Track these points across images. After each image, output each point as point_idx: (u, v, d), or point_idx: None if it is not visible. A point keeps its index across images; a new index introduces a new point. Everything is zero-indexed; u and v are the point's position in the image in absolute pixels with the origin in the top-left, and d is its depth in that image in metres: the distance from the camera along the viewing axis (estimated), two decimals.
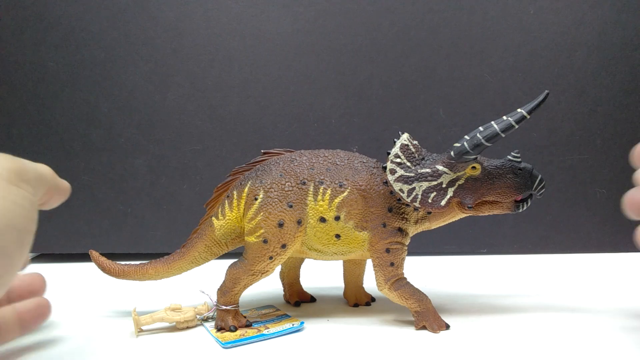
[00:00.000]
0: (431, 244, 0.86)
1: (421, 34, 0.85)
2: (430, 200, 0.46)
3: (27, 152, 0.86)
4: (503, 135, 0.43)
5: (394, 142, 0.47)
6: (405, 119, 0.86)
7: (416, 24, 0.85)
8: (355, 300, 0.57)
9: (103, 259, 0.52)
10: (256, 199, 0.48)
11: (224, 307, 0.49)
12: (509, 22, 0.84)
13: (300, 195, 0.48)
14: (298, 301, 0.58)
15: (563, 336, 0.45)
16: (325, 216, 0.48)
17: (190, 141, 0.87)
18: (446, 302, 0.57)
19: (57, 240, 0.86)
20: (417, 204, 0.46)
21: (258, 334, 0.46)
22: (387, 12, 0.85)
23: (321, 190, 0.48)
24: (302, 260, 0.59)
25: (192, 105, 0.86)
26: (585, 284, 0.65)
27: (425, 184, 0.46)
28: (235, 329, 0.48)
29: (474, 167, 0.46)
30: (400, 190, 0.46)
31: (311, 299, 0.59)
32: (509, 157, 0.46)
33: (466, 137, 0.45)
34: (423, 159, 0.47)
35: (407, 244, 0.49)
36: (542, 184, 0.46)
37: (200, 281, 0.60)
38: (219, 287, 0.50)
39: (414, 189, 0.46)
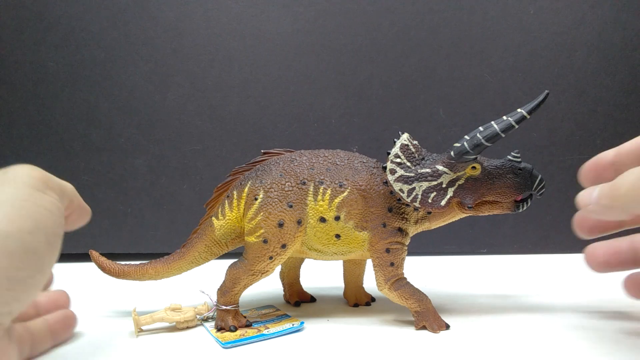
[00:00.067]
0: (431, 244, 0.86)
1: (421, 34, 0.85)
2: (430, 200, 0.46)
3: (27, 152, 0.86)
4: (503, 135, 0.43)
5: (394, 142, 0.47)
6: (405, 119, 0.86)
7: (416, 24, 0.85)
8: (355, 300, 0.57)
9: (103, 259, 0.52)
10: (256, 199, 0.48)
11: (224, 307, 0.49)
12: (509, 22, 0.84)
13: (300, 195, 0.48)
14: (298, 301, 0.58)
15: (563, 336, 0.45)
16: (325, 216, 0.48)
17: (190, 141, 0.87)
18: (446, 302, 0.57)
19: None
20: (417, 204, 0.46)
21: (258, 334, 0.46)
22: (387, 12, 0.85)
23: (321, 190, 0.48)
24: (302, 260, 0.59)
25: (192, 105, 0.86)
26: (585, 284, 0.65)
27: (425, 184, 0.46)
28: (235, 329, 0.48)
29: (474, 167, 0.45)
30: (400, 190, 0.46)
31: (311, 299, 0.59)
32: (509, 157, 0.46)
33: (466, 137, 0.45)
34: (423, 159, 0.47)
35: (407, 244, 0.49)
36: (542, 184, 0.46)
37: (200, 281, 0.60)
38: (219, 287, 0.50)
39: (414, 189, 0.46)
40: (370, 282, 0.54)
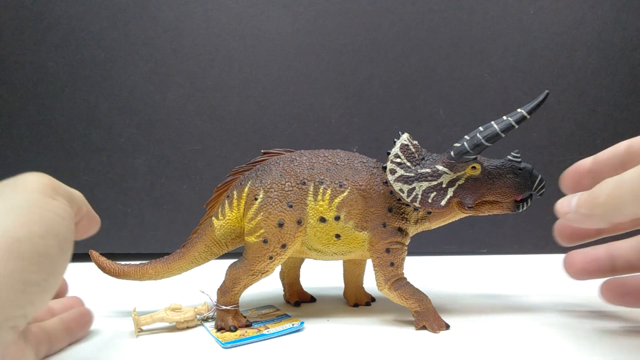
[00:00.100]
0: (431, 244, 0.86)
1: (421, 34, 0.85)
2: (430, 200, 0.46)
3: (27, 152, 0.86)
4: (503, 135, 0.43)
5: (394, 142, 0.47)
6: (405, 119, 0.86)
7: (416, 24, 0.85)
8: (355, 300, 0.57)
9: (103, 259, 0.52)
10: (256, 199, 0.48)
11: (223, 307, 0.49)
12: (509, 22, 0.84)
13: (300, 195, 0.48)
14: (298, 301, 0.58)
15: (563, 336, 0.45)
16: (325, 216, 0.48)
17: (190, 141, 0.87)
18: (446, 302, 0.57)
19: None
20: (417, 204, 0.46)
21: (258, 334, 0.46)
22: (387, 12, 0.85)
23: (321, 190, 0.48)
24: (302, 260, 0.59)
25: (192, 105, 0.86)
26: (585, 284, 0.64)
27: (425, 184, 0.46)
28: (235, 329, 0.48)
29: (474, 167, 0.45)
30: (400, 190, 0.46)
31: (311, 299, 0.59)
32: (509, 157, 0.46)
33: (466, 137, 0.45)
34: (423, 159, 0.47)
35: (407, 244, 0.49)
36: (542, 184, 0.46)
37: (200, 281, 0.60)
38: (219, 287, 0.50)
39: (414, 189, 0.46)
40: (370, 282, 0.54)
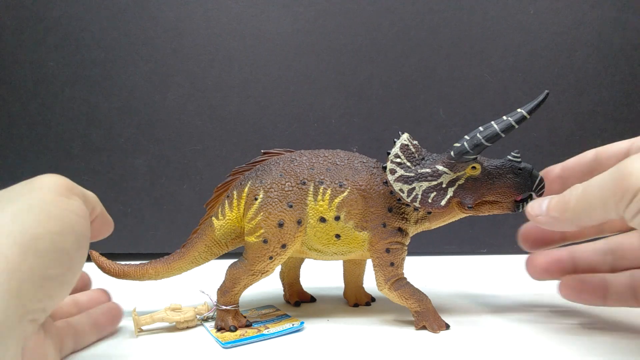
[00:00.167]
0: (431, 244, 0.86)
1: (421, 34, 0.85)
2: (430, 200, 0.46)
3: (27, 152, 0.86)
4: (503, 135, 0.43)
5: (394, 142, 0.47)
6: (405, 119, 0.86)
7: (416, 24, 0.85)
8: (355, 300, 0.57)
9: (103, 259, 0.52)
10: (256, 199, 0.48)
11: (223, 307, 0.49)
12: (509, 22, 0.84)
13: (300, 195, 0.48)
14: (298, 301, 0.58)
15: (563, 336, 0.45)
16: (325, 216, 0.48)
17: (190, 141, 0.87)
18: (446, 302, 0.57)
19: None
20: (417, 204, 0.46)
21: (258, 334, 0.46)
22: (387, 12, 0.85)
23: (321, 190, 0.48)
24: (302, 260, 0.59)
25: (192, 105, 0.86)
26: None
27: (425, 184, 0.46)
28: (235, 329, 0.47)
29: (474, 167, 0.45)
30: (400, 190, 0.46)
31: (311, 299, 0.59)
32: (509, 157, 0.46)
33: (466, 137, 0.45)
34: (423, 159, 0.47)
35: (407, 244, 0.49)
36: (542, 184, 0.46)
37: (200, 281, 0.60)
38: (219, 287, 0.50)
39: (414, 189, 0.46)
40: (370, 282, 0.54)
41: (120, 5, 0.84)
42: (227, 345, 0.44)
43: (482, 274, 0.73)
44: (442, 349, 0.43)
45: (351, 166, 0.49)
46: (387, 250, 0.48)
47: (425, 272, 0.75)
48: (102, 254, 0.53)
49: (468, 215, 0.48)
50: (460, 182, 0.46)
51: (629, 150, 0.43)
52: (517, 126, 0.43)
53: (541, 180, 0.46)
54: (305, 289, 0.59)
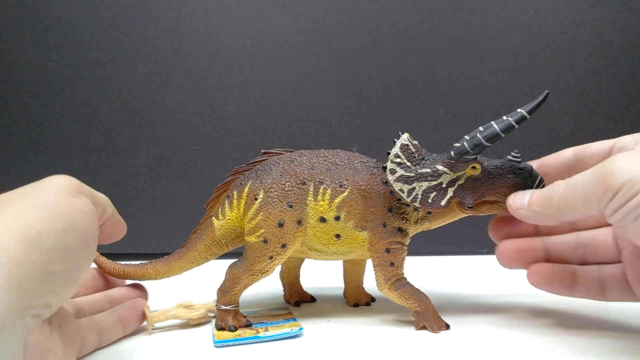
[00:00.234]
0: (431, 244, 0.86)
1: (421, 34, 0.85)
2: (430, 200, 0.46)
3: (27, 152, 0.86)
4: (503, 135, 0.43)
5: (394, 142, 0.47)
6: (405, 119, 0.86)
7: (416, 24, 0.85)
8: (355, 300, 0.57)
9: (103, 258, 0.52)
10: (256, 199, 0.48)
11: (223, 307, 0.49)
12: (509, 22, 0.84)
13: (300, 195, 0.48)
14: (298, 301, 0.58)
15: (563, 336, 0.45)
16: (325, 216, 0.48)
17: (190, 141, 0.87)
18: (446, 302, 0.57)
19: None
20: (417, 204, 0.46)
21: (254, 335, 0.46)
22: (387, 12, 0.85)
23: (321, 190, 0.48)
24: (302, 260, 0.59)
25: (192, 105, 0.86)
26: None
27: (425, 184, 0.46)
28: (236, 329, 0.47)
29: (474, 167, 0.45)
30: (400, 190, 0.46)
31: (311, 299, 0.59)
32: (509, 157, 0.46)
33: (466, 137, 0.45)
34: (423, 159, 0.47)
35: (407, 243, 0.49)
36: (542, 184, 0.46)
37: (200, 281, 0.60)
38: (219, 287, 0.50)
39: (414, 188, 0.46)
40: (370, 282, 0.54)
41: (120, 5, 0.84)
42: (217, 344, 0.44)
43: (482, 274, 0.73)
44: (442, 349, 0.43)
45: (351, 166, 0.49)
46: (387, 250, 0.48)
47: (425, 272, 0.75)
48: (102, 254, 0.53)
49: (468, 215, 0.48)
50: (460, 182, 0.46)
51: (612, 149, 0.44)
52: (517, 126, 0.43)
53: (541, 180, 0.46)
54: (305, 289, 0.59)
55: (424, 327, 0.48)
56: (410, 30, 0.85)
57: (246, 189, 0.49)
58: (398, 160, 0.46)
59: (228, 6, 0.85)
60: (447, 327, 0.48)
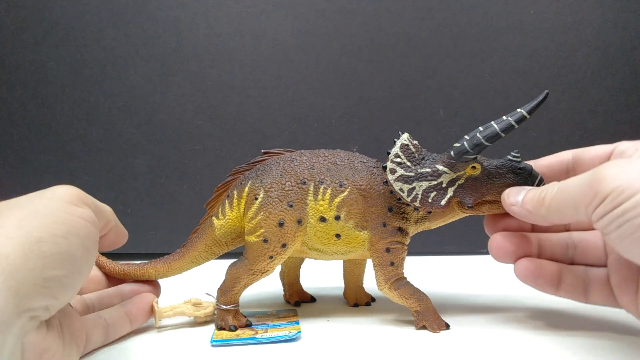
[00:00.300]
0: (431, 244, 0.86)
1: (421, 34, 0.85)
2: (430, 200, 0.46)
3: (27, 152, 0.86)
4: (503, 135, 0.43)
5: (394, 142, 0.47)
6: (405, 119, 0.86)
7: (416, 24, 0.85)
8: (355, 300, 0.57)
9: (103, 258, 0.52)
10: (256, 199, 0.48)
11: (223, 307, 0.49)
12: (509, 22, 0.84)
13: (300, 195, 0.48)
14: (298, 301, 0.58)
15: (563, 336, 0.45)
16: (325, 216, 0.48)
17: (190, 141, 0.87)
18: (446, 302, 0.57)
19: None
20: (417, 204, 0.46)
21: (252, 336, 0.46)
22: (387, 12, 0.85)
23: (321, 190, 0.48)
24: (302, 260, 0.59)
25: (192, 105, 0.86)
26: None
27: (425, 184, 0.46)
28: (236, 329, 0.47)
29: (474, 167, 0.45)
30: (400, 189, 0.46)
31: (311, 299, 0.59)
32: (509, 157, 0.46)
33: (466, 137, 0.45)
34: (423, 158, 0.47)
35: (407, 243, 0.49)
36: (541, 184, 0.46)
37: (201, 281, 0.60)
38: (219, 286, 0.50)
39: (414, 188, 0.46)
40: (370, 282, 0.54)
41: (120, 5, 0.84)
42: (213, 343, 0.44)
43: (482, 274, 0.73)
44: (442, 349, 0.43)
45: (351, 166, 0.49)
46: (387, 250, 0.48)
47: (425, 272, 0.75)
48: (102, 254, 0.53)
49: (468, 215, 0.48)
50: (460, 181, 0.46)
51: (611, 153, 0.43)
52: (517, 126, 0.43)
53: (541, 179, 0.46)
54: (305, 289, 0.59)
55: (424, 327, 0.48)
56: (410, 30, 0.85)
57: (246, 189, 0.49)
58: (398, 160, 0.46)
59: (228, 6, 0.85)
60: (447, 327, 0.48)
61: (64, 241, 0.34)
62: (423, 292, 0.48)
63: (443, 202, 0.46)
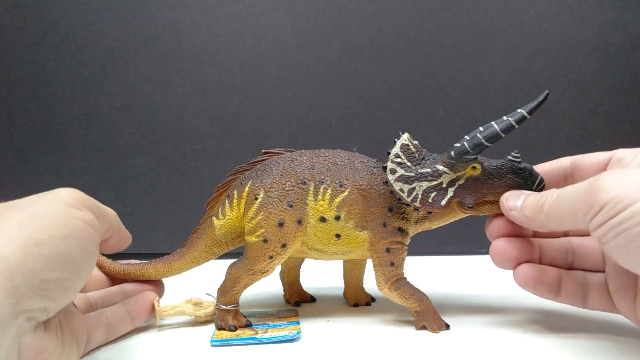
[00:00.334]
0: (431, 244, 0.86)
1: (421, 34, 0.85)
2: (430, 200, 0.46)
3: (27, 152, 0.86)
4: (503, 135, 0.43)
5: (394, 142, 0.47)
6: (405, 119, 0.86)
7: (416, 24, 0.85)
8: (355, 300, 0.57)
9: (104, 258, 0.52)
10: (256, 199, 0.48)
11: (223, 307, 0.49)
12: (509, 22, 0.84)
13: (300, 195, 0.48)
14: (298, 301, 0.58)
15: (563, 337, 0.45)
16: (325, 216, 0.48)
17: (190, 141, 0.87)
18: (446, 302, 0.57)
19: None
20: (417, 204, 0.46)
21: (252, 336, 0.46)
22: (387, 12, 0.85)
23: (321, 190, 0.48)
24: (302, 260, 0.59)
25: (192, 105, 0.86)
26: None
27: (425, 184, 0.46)
28: (236, 329, 0.48)
29: (474, 167, 0.45)
30: (401, 190, 0.46)
31: (311, 299, 0.59)
32: (509, 157, 0.46)
33: (466, 137, 0.45)
34: (423, 158, 0.47)
35: (407, 243, 0.49)
36: (542, 184, 0.46)
37: (202, 281, 0.60)
38: (219, 286, 0.50)
39: (414, 188, 0.46)
40: (370, 282, 0.54)
41: (120, 5, 0.84)
42: (213, 343, 0.44)
43: (482, 274, 0.73)
44: (442, 349, 0.43)
45: (351, 166, 0.49)
46: (388, 250, 0.48)
47: (425, 272, 0.75)
48: (103, 254, 0.53)
49: (468, 215, 0.48)
50: (461, 182, 0.46)
51: (609, 161, 0.43)
52: (517, 126, 0.43)
53: (541, 180, 0.46)
54: (305, 289, 0.59)
55: (424, 327, 0.48)
56: (410, 30, 0.85)
57: (246, 189, 0.49)
58: (398, 160, 0.46)
59: (228, 6, 0.85)
60: (447, 327, 0.48)
61: (64, 244, 0.34)
62: (423, 293, 0.48)
63: (443, 203, 0.46)
